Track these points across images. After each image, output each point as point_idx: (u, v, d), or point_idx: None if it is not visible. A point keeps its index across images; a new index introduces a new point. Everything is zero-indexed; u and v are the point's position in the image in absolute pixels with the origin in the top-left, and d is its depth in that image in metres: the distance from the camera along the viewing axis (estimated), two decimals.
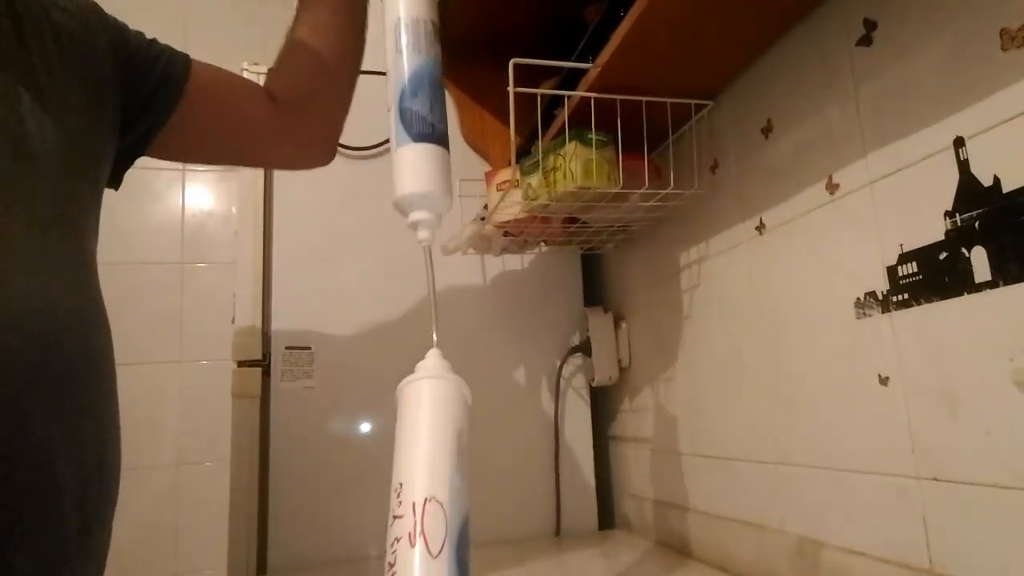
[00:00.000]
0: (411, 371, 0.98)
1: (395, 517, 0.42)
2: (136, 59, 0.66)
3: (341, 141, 1.08)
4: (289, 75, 0.76)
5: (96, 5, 0.65)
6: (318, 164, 0.82)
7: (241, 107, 0.74)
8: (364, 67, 1.18)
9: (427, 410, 0.44)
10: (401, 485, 0.43)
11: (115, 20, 0.66)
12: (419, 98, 0.51)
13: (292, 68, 0.76)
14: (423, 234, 0.51)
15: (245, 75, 1.09)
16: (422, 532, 0.40)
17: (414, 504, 0.41)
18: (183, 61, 0.69)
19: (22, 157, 0.52)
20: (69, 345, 0.52)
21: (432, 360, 0.47)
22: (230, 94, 0.74)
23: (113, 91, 0.63)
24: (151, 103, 0.66)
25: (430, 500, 0.41)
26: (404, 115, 0.50)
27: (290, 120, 0.76)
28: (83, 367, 0.53)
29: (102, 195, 0.62)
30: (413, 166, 0.50)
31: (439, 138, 0.51)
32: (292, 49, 0.76)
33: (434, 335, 0.48)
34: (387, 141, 1.12)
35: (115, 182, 0.68)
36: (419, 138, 0.50)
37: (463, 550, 0.41)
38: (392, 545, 0.42)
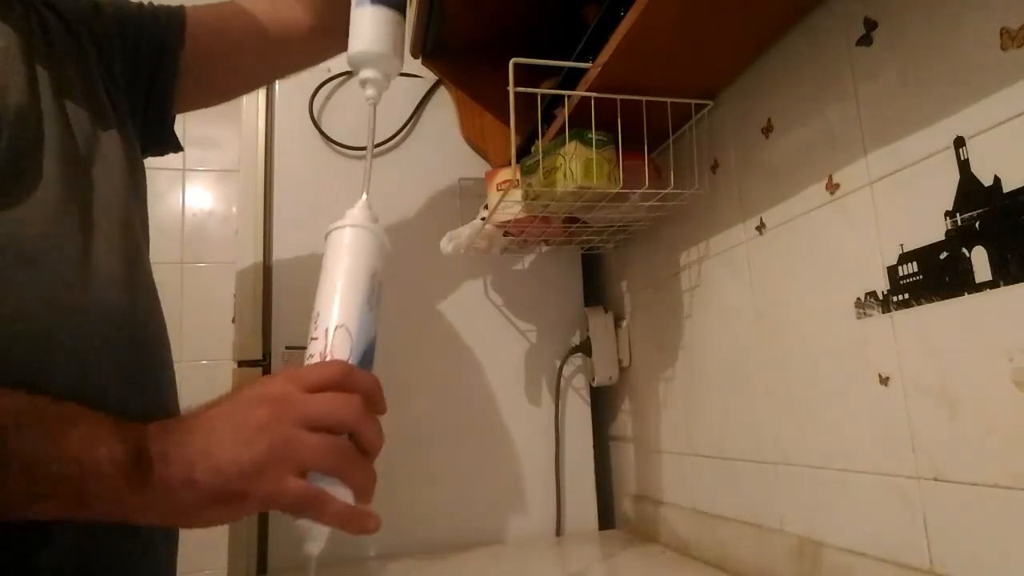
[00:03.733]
0: (410, 369, 0.99)
1: (312, 339, 0.49)
2: (139, 35, 0.67)
3: (341, 141, 1.09)
4: None
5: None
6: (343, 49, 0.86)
7: (255, 27, 0.75)
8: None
9: (347, 253, 0.50)
10: (318, 314, 0.49)
11: (105, 6, 0.66)
12: None
13: None
14: (370, 91, 0.53)
15: None
16: (331, 353, 0.48)
17: (327, 330, 0.48)
18: (177, 12, 0.70)
19: (91, 168, 0.56)
20: (129, 320, 0.57)
21: (358, 210, 0.52)
22: (239, 23, 0.74)
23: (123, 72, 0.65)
24: (154, 72, 0.68)
25: (340, 327, 0.48)
26: None
27: (320, 17, 0.77)
28: (140, 338, 0.58)
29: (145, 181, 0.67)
30: (368, 27, 0.52)
31: (396, 3, 0.52)
32: None
33: (365, 193, 0.52)
34: (387, 141, 1.13)
35: (169, 146, 0.72)
36: (376, 0, 0.52)
37: (366, 367, 0.50)
38: (307, 359, 0.49)
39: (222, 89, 0.78)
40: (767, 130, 0.72)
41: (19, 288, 0.47)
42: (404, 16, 0.54)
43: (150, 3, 0.71)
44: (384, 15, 0.52)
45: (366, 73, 0.53)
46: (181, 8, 0.71)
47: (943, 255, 0.50)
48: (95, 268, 0.53)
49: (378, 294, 0.51)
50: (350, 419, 0.46)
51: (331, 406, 0.46)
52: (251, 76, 0.81)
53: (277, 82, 1.09)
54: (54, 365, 0.48)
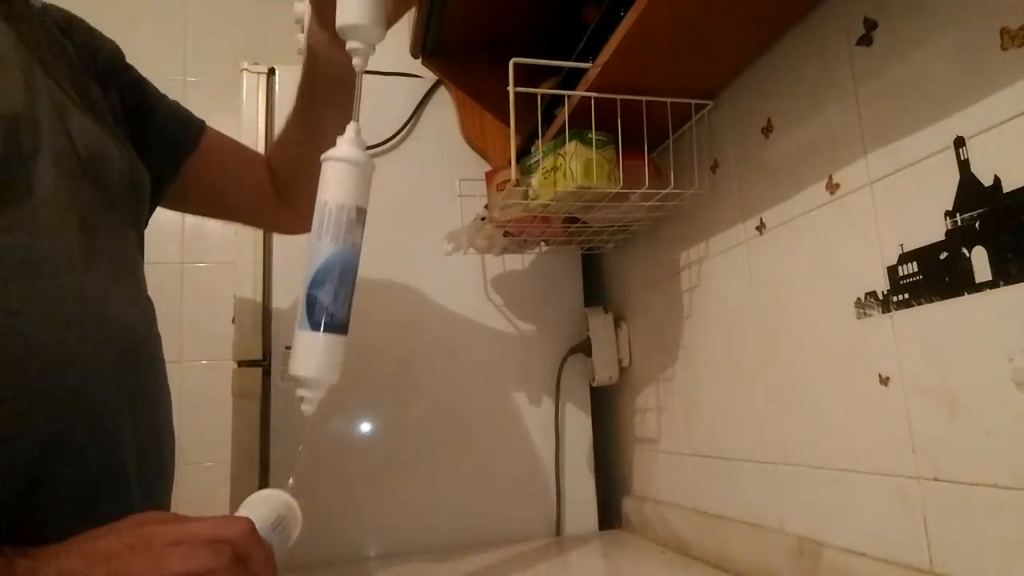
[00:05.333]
0: (410, 369, 0.99)
1: None
2: (154, 114, 0.71)
3: None
4: (286, 160, 0.80)
5: (123, 56, 0.70)
6: (304, 231, 0.89)
7: (243, 175, 0.80)
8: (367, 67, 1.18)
9: (260, 499, 0.51)
10: None
11: (136, 71, 0.71)
12: (325, 287, 0.55)
13: (289, 155, 0.80)
14: (306, 407, 0.56)
15: (245, 76, 1.09)
16: None
17: None
18: (199, 125, 0.75)
19: (91, 179, 0.56)
20: (127, 335, 0.56)
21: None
22: (235, 161, 0.80)
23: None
24: (166, 159, 0.70)
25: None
26: (308, 300, 0.55)
27: (282, 195, 0.81)
28: (138, 354, 0.58)
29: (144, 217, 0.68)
30: (306, 352, 0.55)
31: (336, 327, 0.55)
32: (291, 136, 0.79)
33: (290, 480, 0.55)
34: (387, 141, 1.13)
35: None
36: (316, 326, 0.54)
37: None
38: None
39: (206, 205, 0.81)
40: (767, 130, 0.72)
41: (16, 301, 0.46)
42: (346, 331, 0.56)
43: (175, 101, 0.75)
44: (319, 341, 0.55)
45: (301, 392, 0.56)
46: (202, 120, 0.76)
47: (943, 255, 0.50)
48: (93, 282, 0.53)
49: (282, 532, 0.50)
50: (235, 535, 0.42)
51: (212, 524, 0.42)
52: (234, 208, 0.84)
53: (277, 81, 1.09)
54: (52, 380, 0.47)
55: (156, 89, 0.72)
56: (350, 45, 0.59)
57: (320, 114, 0.74)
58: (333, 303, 0.54)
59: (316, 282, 0.54)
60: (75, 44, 0.62)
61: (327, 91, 0.73)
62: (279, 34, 2.01)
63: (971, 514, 0.49)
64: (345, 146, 0.57)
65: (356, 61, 0.59)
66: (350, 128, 0.58)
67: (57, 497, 0.47)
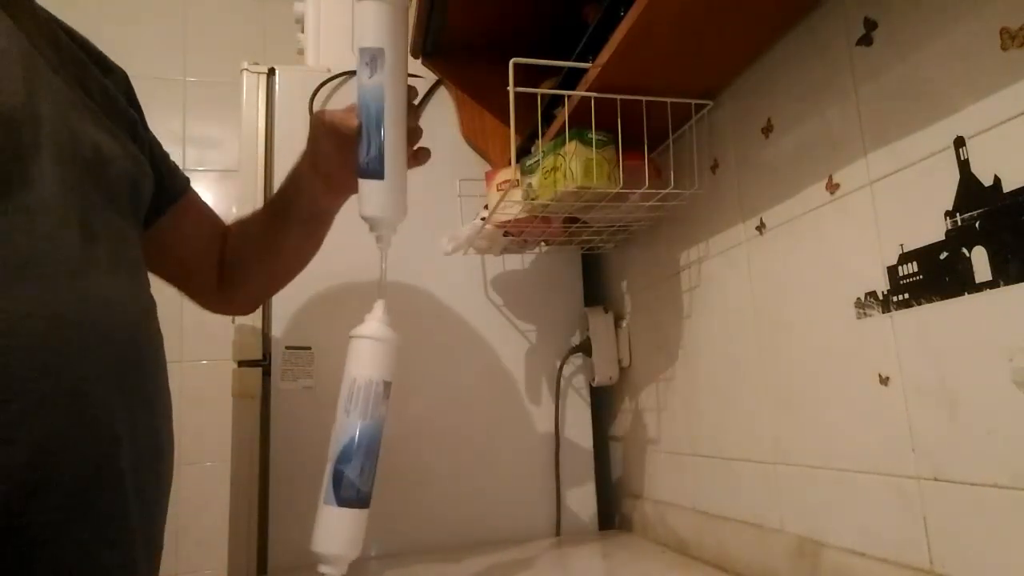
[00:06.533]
0: (410, 369, 0.98)
1: None
2: (151, 152, 0.69)
3: None
4: (238, 256, 0.79)
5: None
6: (233, 314, 0.91)
7: (205, 242, 0.78)
8: None
9: None
10: None
11: (139, 104, 0.69)
12: (352, 463, 0.56)
13: (242, 251, 0.79)
14: None
15: (245, 76, 1.09)
16: None
17: None
18: (184, 179, 0.75)
19: (93, 177, 0.55)
20: (127, 336, 0.55)
21: None
22: (203, 226, 0.78)
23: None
24: (150, 204, 0.68)
25: None
26: (335, 476, 0.56)
27: (222, 276, 0.80)
28: (138, 356, 0.57)
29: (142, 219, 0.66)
30: (330, 528, 0.56)
31: (361, 501, 0.57)
32: (249, 235, 0.79)
33: None
34: None
35: None
36: (342, 503, 0.56)
37: None
38: None
39: (158, 258, 0.74)
40: (767, 130, 0.72)
41: (14, 301, 0.46)
42: (368, 504, 0.58)
43: (166, 151, 0.74)
44: (345, 517, 0.56)
45: (325, 569, 0.56)
46: (187, 176, 0.76)
47: (943, 255, 0.50)
48: (92, 282, 0.52)
49: None
50: None
51: None
52: (183, 271, 0.78)
53: (276, 81, 1.09)
54: (49, 381, 0.47)
55: (152, 134, 0.70)
56: (375, 233, 0.61)
57: (284, 233, 0.76)
58: (359, 478, 0.56)
59: (343, 458, 0.56)
60: (86, 54, 0.61)
61: (299, 219, 0.74)
62: (279, 34, 2.02)
63: (971, 514, 0.49)
64: (373, 324, 0.58)
65: (380, 245, 0.61)
66: (377, 306, 0.59)
67: (53, 499, 0.47)
